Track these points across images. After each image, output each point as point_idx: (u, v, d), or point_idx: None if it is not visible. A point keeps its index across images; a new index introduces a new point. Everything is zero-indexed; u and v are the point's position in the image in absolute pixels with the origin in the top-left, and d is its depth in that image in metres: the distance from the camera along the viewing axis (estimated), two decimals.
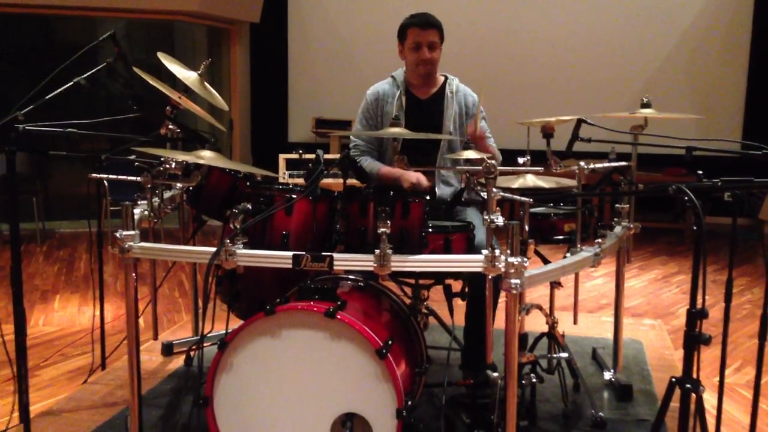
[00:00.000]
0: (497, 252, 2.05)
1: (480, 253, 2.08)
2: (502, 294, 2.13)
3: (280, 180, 5.49)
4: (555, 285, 2.99)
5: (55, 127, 2.62)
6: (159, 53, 2.76)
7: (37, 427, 2.67)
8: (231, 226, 2.26)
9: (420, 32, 3.02)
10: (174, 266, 5.01)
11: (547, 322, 2.84)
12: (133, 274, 2.34)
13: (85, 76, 2.61)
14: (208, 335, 2.39)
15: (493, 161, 2.13)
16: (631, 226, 2.95)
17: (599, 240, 2.63)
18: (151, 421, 2.72)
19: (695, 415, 1.94)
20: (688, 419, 1.93)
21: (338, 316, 2.09)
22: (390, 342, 2.14)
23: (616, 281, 3.14)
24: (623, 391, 2.99)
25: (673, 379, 1.96)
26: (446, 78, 3.18)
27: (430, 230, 2.34)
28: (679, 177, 6.55)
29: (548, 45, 7.46)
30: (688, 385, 1.91)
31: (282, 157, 5.86)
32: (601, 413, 2.74)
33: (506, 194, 2.29)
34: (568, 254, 2.61)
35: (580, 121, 2.53)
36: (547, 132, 2.64)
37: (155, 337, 3.59)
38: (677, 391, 1.94)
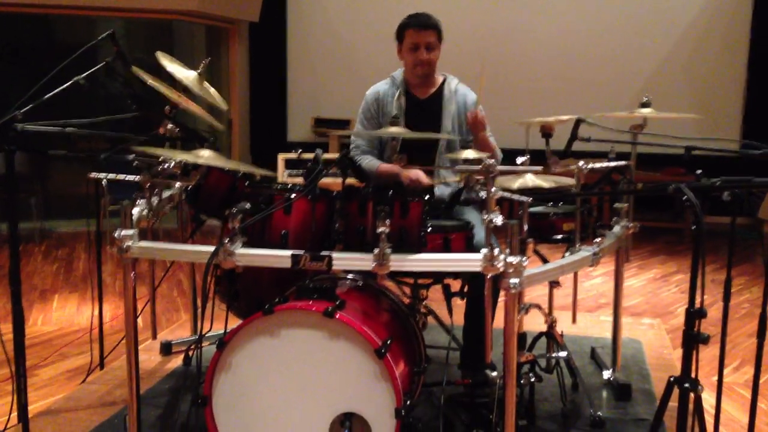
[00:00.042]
0: (496, 251, 2.05)
1: (479, 252, 2.08)
2: (501, 293, 2.13)
3: (279, 179, 5.49)
4: (554, 284, 3.00)
5: (54, 127, 2.61)
6: (158, 52, 2.75)
7: (35, 426, 2.66)
8: (230, 225, 2.25)
9: (417, 33, 3.01)
10: (173, 266, 5.00)
11: (545, 322, 2.84)
12: (132, 274, 2.34)
13: (83, 75, 2.61)
14: (207, 335, 2.38)
15: (492, 161, 2.13)
16: (630, 225, 2.95)
17: (598, 239, 2.63)
18: (150, 421, 2.72)
19: (694, 415, 1.94)
20: (686, 418, 1.93)
21: (337, 316, 2.09)
22: (389, 341, 2.14)
23: (615, 280, 3.14)
24: (622, 390, 2.99)
25: (672, 379, 1.96)
26: (445, 78, 3.18)
27: (429, 230, 2.35)
28: (678, 176, 6.54)
29: (547, 45, 7.46)
30: (687, 385, 1.91)
31: (281, 156, 5.86)
32: (599, 412, 2.74)
33: (505, 193, 2.29)
34: (567, 253, 2.61)
35: (579, 121, 2.53)
36: (546, 131, 2.64)
37: (154, 337, 3.59)
38: (676, 391, 1.94)
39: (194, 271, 3.75)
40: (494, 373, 2.45)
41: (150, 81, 2.63)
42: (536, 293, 4.20)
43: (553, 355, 2.90)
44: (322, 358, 2.14)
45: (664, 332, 3.94)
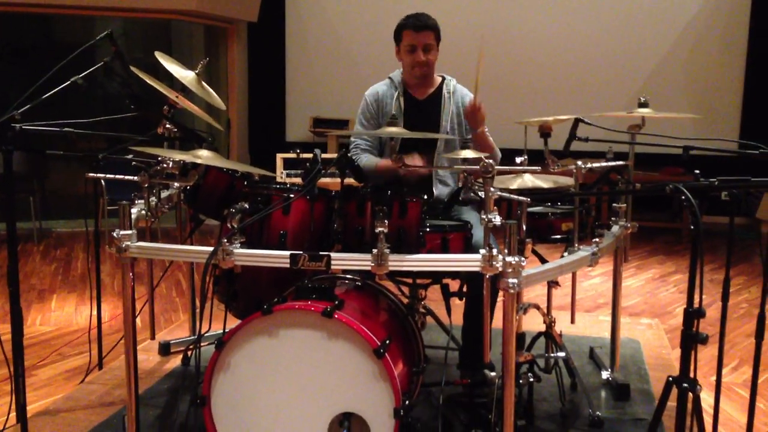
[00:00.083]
0: (495, 251, 2.05)
1: (477, 252, 2.08)
2: (500, 293, 2.13)
3: (278, 179, 5.48)
4: (552, 284, 3.00)
5: (52, 127, 2.61)
6: (156, 52, 2.75)
7: (34, 426, 2.66)
8: (228, 225, 2.25)
9: (415, 35, 3.01)
10: (171, 266, 5.02)
11: (544, 322, 2.84)
12: (131, 274, 2.33)
13: (82, 75, 2.61)
14: (206, 335, 2.38)
15: (491, 160, 2.14)
16: (629, 225, 2.95)
17: (596, 239, 2.63)
18: (149, 421, 2.72)
19: (692, 414, 1.94)
20: (685, 418, 1.93)
21: (336, 316, 2.09)
22: (387, 341, 2.14)
23: (613, 280, 3.14)
24: (620, 390, 2.99)
25: (671, 378, 1.96)
26: (444, 78, 3.18)
27: (428, 229, 2.35)
28: (676, 176, 6.55)
29: (546, 45, 7.46)
30: (686, 384, 1.92)
31: (279, 156, 5.85)
32: (598, 412, 2.74)
33: (504, 193, 2.29)
34: (565, 253, 2.61)
35: (577, 121, 2.53)
36: (545, 131, 2.65)
37: (152, 337, 3.59)
38: (674, 390, 1.95)
39: (193, 271, 3.75)
40: (493, 373, 2.46)
41: (148, 81, 2.64)
42: (535, 293, 4.21)
43: (552, 355, 2.90)
44: (320, 358, 2.14)
45: (662, 332, 3.95)
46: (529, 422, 2.67)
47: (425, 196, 2.30)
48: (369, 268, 2.13)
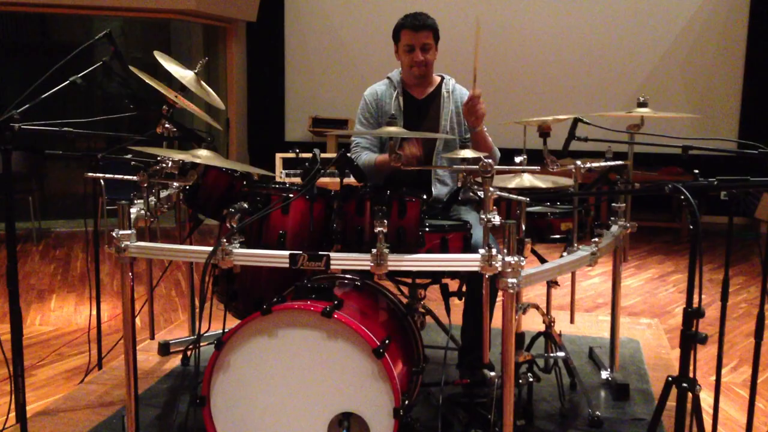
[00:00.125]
0: (494, 251, 2.06)
1: (477, 252, 2.08)
2: (499, 293, 2.13)
3: (277, 179, 5.48)
4: (552, 284, 3.00)
5: (51, 126, 2.61)
6: (155, 52, 2.75)
7: (33, 426, 2.66)
8: (228, 225, 2.25)
9: (413, 34, 3.00)
10: (171, 265, 5.02)
11: (543, 322, 2.84)
12: (130, 274, 2.33)
13: (80, 75, 2.61)
14: (205, 335, 2.39)
15: (490, 160, 2.13)
16: (628, 225, 2.95)
17: (596, 239, 2.64)
18: (148, 421, 2.72)
19: (692, 414, 1.94)
20: (684, 418, 1.93)
21: (335, 316, 2.09)
22: (387, 341, 2.14)
23: (612, 280, 3.14)
24: (620, 390, 2.99)
25: (670, 378, 1.96)
26: (443, 78, 3.18)
27: (427, 229, 2.35)
28: (675, 176, 6.55)
29: (545, 44, 7.46)
30: (685, 384, 1.92)
31: (279, 156, 5.85)
32: (597, 412, 2.74)
33: (503, 193, 2.29)
34: (564, 253, 2.61)
35: (576, 120, 2.54)
36: (544, 131, 2.65)
37: (152, 337, 3.58)
38: (674, 390, 1.95)
39: (192, 271, 3.75)
40: (492, 373, 2.45)
41: (147, 80, 2.63)
42: (534, 293, 4.21)
43: (552, 354, 2.90)
44: (320, 358, 2.14)
45: (662, 332, 3.95)
46: (529, 422, 2.67)
47: (424, 196, 2.30)
48: (368, 268, 2.13)
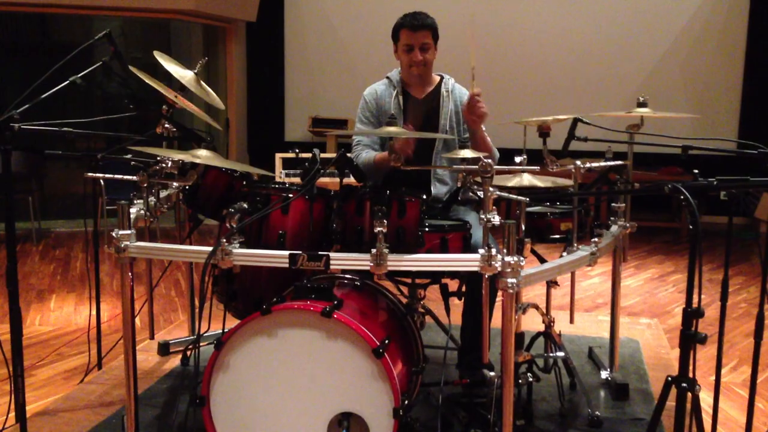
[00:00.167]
0: (494, 251, 2.06)
1: (476, 252, 2.08)
2: (499, 293, 2.13)
3: (277, 179, 5.48)
4: (551, 284, 3.00)
5: (51, 126, 2.61)
6: (155, 52, 2.75)
7: (33, 426, 2.66)
8: (227, 225, 2.25)
9: (411, 34, 3.00)
10: (170, 265, 5.01)
11: (543, 321, 2.84)
12: (130, 274, 2.33)
13: (80, 75, 2.60)
14: (205, 335, 2.39)
15: (490, 160, 2.13)
16: (627, 225, 2.95)
17: (595, 239, 2.64)
18: (148, 421, 2.72)
19: (691, 414, 1.94)
20: (684, 418, 1.93)
21: (335, 316, 2.09)
22: (387, 341, 2.14)
23: (612, 280, 3.14)
24: (620, 390, 2.99)
25: (670, 378, 1.96)
26: (442, 77, 3.18)
27: (427, 229, 2.35)
28: (675, 176, 6.55)
29: (544, 44, 7.46)
30: (685, 384, 1.92)
31: (278, 156, 5.85)
32: (597, 412, 2.74)
33: (503, 193, 2.29)
34: (564, 253, 2.61)
35: (576, 120, 2.54)
36: (544, 131, 2.65)
37: (152, 337, 3.58)
38: (673, 390, 1.95)
39: (192, 271, 3.75)
40: (492, 373, 2.46)
41: (147, 80, 2.63)
42: (534, 293, 4.21)
43: (551, 354, 2.90)
44: (319, 358, 2.14)
45: (661, 332, 3.95)
46: (528, 422, 2.67)
47: (424, 196, 2.30)
48: (368, 268, 2.13)
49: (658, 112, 2.82)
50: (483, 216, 2.10)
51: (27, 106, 2.41)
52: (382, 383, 2.09)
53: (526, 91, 7.42)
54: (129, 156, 2.93)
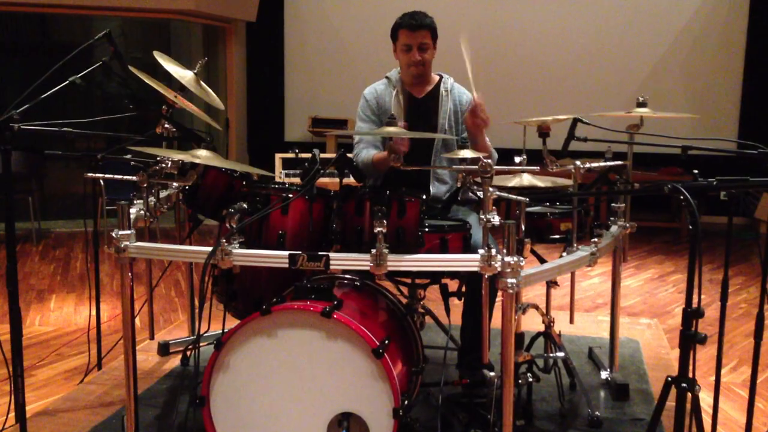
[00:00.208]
0: (494, 251, 2.06)
1: (476, 252, 2.08)
2: (499, 293, 2.13)
3: (277, 179, 5.48)
4: (551, 284, 3.00)
5: (50, 127, 2.61)
6: (155, 52, 2.75)
7: (33, 426, 2.66)
8: (227, 225, 2.25)
9: (410, 34, 3.00)
10: (170, 266, 5.01)
11: (543, 322, 2.84)
12: (129, 274, 2.33)
13: (80, 75, 2.60)
14: (205, 335, 2.39)
15: (489, 160, 2.13)
16: (627, 225, 2.95)
17: (595, 239, 2.64)
18: (148, 421, 2.71)
19: (691, 414, 1.94)
20: (684, 418, 1.93)
21: (335, 316, 2.09)
22: (386, 341, 2.14)
23: (612, 280, 3.14)
24: (619, 390, 2.99)
25: (669, 378, 1.96)
26: (441, 77, 3.18)
27: (427, 230, 2.35)
28: (675, 176, 6.55)
29: (544, 44, 7.46)
30: (684, 384, 1.92)
31: (278, 156, 5.85)
32: (597, 412, 2.74)
33: (502, 193, 2.30)
34: (564, 253, 2.61)
35: (576, 121, 2.54)
36: (543, 131, 2.65)
37: (151, 337, 3.58)
38: (673, 390, 1.95)
39: (192, 271, 3.75)
40: (492, 373, 2.46)
41: (147, 81, 2.63)
42: (534, 293, 4.21)
43: (551, 355, 2.90)
44: (319, 358, 2.14)
45: (661, 332, 3.95)
46: (528, 422, 2.67)
47: (424, 196, 2.30)
48: (368, 268, 2.13)
49: (658, 112, 2.82)
50: (483, 216, 2.10)
51: (27, 106, 2.40)
52: (382, 383, 2.09)
53: (526, 91, 7.42)
54: (129, 156, 2.93)
